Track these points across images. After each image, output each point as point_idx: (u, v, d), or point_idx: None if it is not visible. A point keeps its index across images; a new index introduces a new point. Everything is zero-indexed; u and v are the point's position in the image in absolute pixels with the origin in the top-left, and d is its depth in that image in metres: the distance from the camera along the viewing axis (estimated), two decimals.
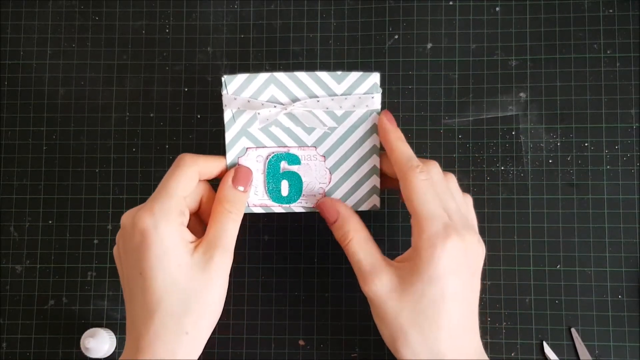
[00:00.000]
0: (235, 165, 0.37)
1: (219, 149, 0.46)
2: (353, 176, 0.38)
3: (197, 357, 0.35)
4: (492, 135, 0.46)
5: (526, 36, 0.46)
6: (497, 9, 0.47)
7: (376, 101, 0.36)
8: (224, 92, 0.36)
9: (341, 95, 0.36)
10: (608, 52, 0.46)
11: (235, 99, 0.36)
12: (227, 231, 0.36)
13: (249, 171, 0.37)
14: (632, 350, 0.43)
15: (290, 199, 0.38)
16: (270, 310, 0.45)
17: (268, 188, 0.38)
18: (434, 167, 0.36)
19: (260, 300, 0.45)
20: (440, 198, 0.35)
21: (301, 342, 0.45)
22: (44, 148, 0.47)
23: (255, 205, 0.38)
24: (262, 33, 0.47)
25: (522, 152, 0.45)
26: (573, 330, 0.43)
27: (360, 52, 0.47)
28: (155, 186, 0.44)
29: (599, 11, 0.46)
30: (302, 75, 0.36)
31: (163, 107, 0.47)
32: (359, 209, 0.38)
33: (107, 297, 0.45)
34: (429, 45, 0.47)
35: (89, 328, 0.44)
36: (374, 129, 0.37)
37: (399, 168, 0.35)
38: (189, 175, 0.36)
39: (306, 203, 0.38)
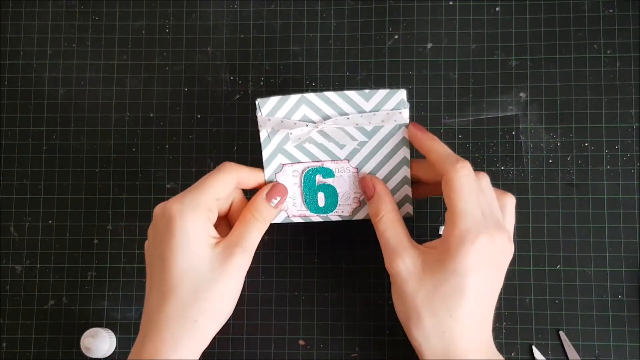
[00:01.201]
0: (272, 182, 0.39)
1: (219, 149, 0.46)
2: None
3: (202, 350, 0.36)
4: (492, 135, 0.46)
5: (526, 36, 0.46)
6: (497, 9, 0.47)
7: (404, 116, 0.37)
8: (258, 114, 0.38)
9: (370, 111, 0.37)
10: (608, 52, 0.46)
11: (269, 119, 0.38)
12: (250, 234, 0.37)
13: (284, 189, 0.39)
14: (632, 350, 0.43)
15: (327, 209, 0.40)
16: (270, 310, 0.45)
17: (305, 200, 0.40)
18: (462, 166, 0.36)
19: (260, 300, 0.45)
20: (476, 196, 0.36)
21: (301, 342, 0.45)
22: (44, 148, 0.47)
23: (295, 216, 0.40)
24: (262, 33, 0.47)
25: (522, 152, 0.45)
26: (561, 332, 0.43)
27: (360, 52, 0.47)
28: (155, 186, 0.45)
29: (599, 11, 0.46)
30: (331, 94, 0.37)
31: (163, 107, 0.47)
32: None
33: (107, 297, 0.45)
34: (429, 45, 0.47)
35: (89, 328, 0.44)
36: (404, 142, 0.38)
37: (440, 165, 0.36)
38: (227, 180, 0.37)
39: (342, 212, 0.40)
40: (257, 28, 0.47)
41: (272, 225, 0.46)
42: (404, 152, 0.38)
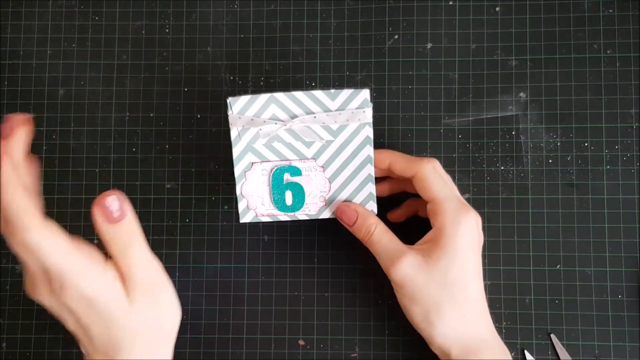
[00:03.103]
0: (243, 180, 0.40)
1: (219, 149, 0.46)
2: (350, 184, 0.40)
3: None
4: (492, 135, 0.46)
5: (526, 36, 0.46)
6: (497, 9, 0.47)
7: (367, 115, 0.39)
8: (229, 112, 0.39)
9: (335, 110, 0.39)
10: (608, 52, 0.46)
11: (239, 117, 0.39)
12: (93, 257, 0.33)
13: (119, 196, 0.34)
14: (632, 350, 0.43)
15: (294, 208, 0.41)
16: (270, 310, 0.45)
17: (273, 199, 0.40)
18: (430, 164, 0.40)
19: (260, 300, 0.45)
20: (448, 184, 0.39)
21: (301, 342, 0.45)
22: (44, 148, 0.47)
23: (263, 215, 0.41)
24: (262, 33, 0.47)
25: (522, 152, 0.45)
26: (552, 335, 0.43)
27: (360, 52, 0.47)
28: (155, 186, 0.44)
29: (599, 11, 0.46)
30: (299, 94, 0.39)
31: (163, 107, 0.47)
32: None
33: None
34: (429, 45, 0.47)
35: None
36: (368, 141, 0.39)
37: (409, 168, 0.39)
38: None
39: (309, 211, 0.41)
40: (257, 28, 0.47)
41: (272, 225, 0.46)
42: (368, 150, 0.39)
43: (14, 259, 0.46)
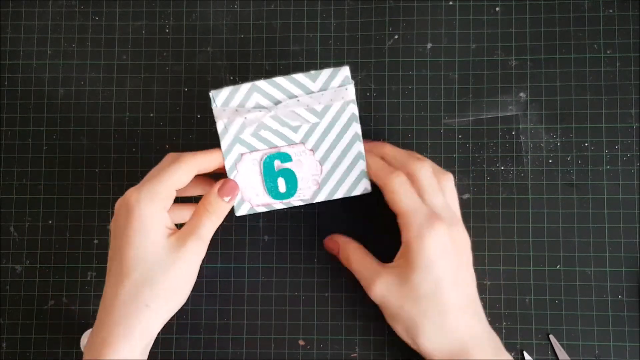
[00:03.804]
0: (234, 172, 0.40)
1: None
2: (342, 164, 0.40)
3: (154, 334, 0.37)
4: (492, 135, 0.46)
5: (526, 36, 0.46)
6: (497, 9, 0.47)
7: (350, 92, 0.39)
8: (213, 106, 0.39)
9: (318, 91, 0.39)
10: (608, 52, 0.46)
11: (224, 110, 0.39)
12: (204, 225, 0.38)
13: (235, 185, 0.40)
14: (632, 350, 0.43)
15: (288, 194, 0.41)
16: (270, 310, 0.45)
17: (267, 187, 0.40)
18: (418, 166, 0.39)
19: (260, 300, 0.45)
20: (422, 194, 0.38)
21: (301, 342, 0.45)
22: (44, 148, 0.47)
23: (258, 205, 0.41)
24: (262, 33, 0.47)
25: (522, 152, 0.45)
26: (551, 336, 0.43)
27: (360, 52, 0.47)
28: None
29: (599, 11, 0.46)
30: (280, 79, 0.39)
31: (163, 107, 0.47)
32: (352, 194, 0.41)
33: None
34: (429, 45, 0.47)
35: (89, 328, 0.44)
36: (354, 118, 0.39)
37: (378, 178, 0.39)
38: (186, 171, 0.38)
39: (304, 196, 0.41)
40: (257, 28, 0.47)
41: (272, 226, 0.46)
42: (355, 127, 0.40)
43: (14, 259, 0.46)
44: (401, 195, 0.37)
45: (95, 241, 0.46)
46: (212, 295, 0.45)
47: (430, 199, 0.38)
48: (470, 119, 0.46)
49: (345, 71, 0.38)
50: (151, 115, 0.47)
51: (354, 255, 0.41)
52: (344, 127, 0.39)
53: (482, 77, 0.46)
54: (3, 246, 0.46)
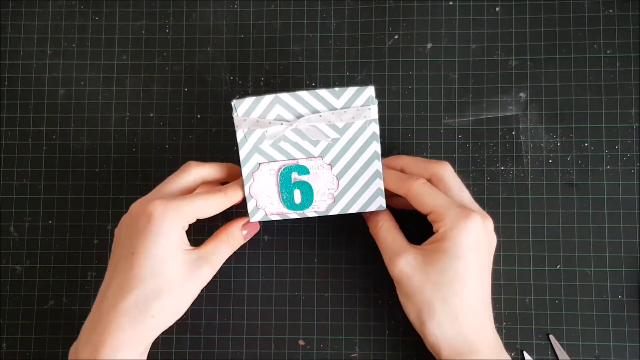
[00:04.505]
0: (250, 180, 0.40)
1: (219, 149, 0.46)
2: (358, 181, 0.40)
3: (151, 341, 0.38)
4: (492, 135, 0.46)
5: (526, 36, 0.46)
6: (497, 9, 0.47)
7: (373, 112, 0.39)
8: (234, 115, 0.39)
9: (341, 109, 0.39)
10: (608, 52, 0.46)
11: (245, 119, 0.39)
12: (220, 255, 0.40)
13: (257, 227, 0.43)
14: (632, 350, 0.43)
15: (303, 206, 0.41)
16: (270, 310, 0.45)
17: (282, 198, 0.41)
18: (440, 167, 0.40)
19: (260, 300, 0.45)
20: (448, 192, 0.39)
21: (301, 342, 0.45)
22: (44, 148, 0.47)
23: (273, 214, 0.41)
24: (262, 33, 0.47)
25: (522, 152, 0.45)
26: (551, 336, 0.43)
27: (360, 52, 0.47)
28: (155, 186, 0.44)
29: (599, 11, 0.46)
30: (303, 93, 0.39)
31: (163, 107, 0.47)
32: (367, 210, 0.41)
33: None
34: (429, 45, 0.47)
35: None
36: (374, 137, 0.39)
37: (400, 187, 0.39)
38: (216, 205, 0.39)
39: (318, 208, 0.41)
40: (257, 28, 0.47)
41: (272, 225, 0.46)
42: (375, 146, 0.40)
43: (14, 259, 0.46)
44: (426, 195, 0.38)
45: (95, 241, 0.46)
46: (212, 295, 0.45)
47: (459, 195, 0.39)
48: (470, 119, 0.46)
49: (370, 91, 0.38)
50: (151, 115, 0.47)
51: (386, 223, 0.40)
52: (363, 144, 0.40)
53: (482, 77, 0.46)
54: (3, 246, 0.46)
